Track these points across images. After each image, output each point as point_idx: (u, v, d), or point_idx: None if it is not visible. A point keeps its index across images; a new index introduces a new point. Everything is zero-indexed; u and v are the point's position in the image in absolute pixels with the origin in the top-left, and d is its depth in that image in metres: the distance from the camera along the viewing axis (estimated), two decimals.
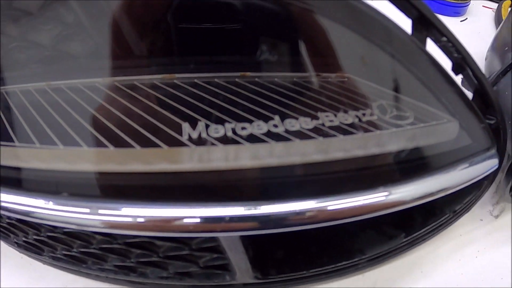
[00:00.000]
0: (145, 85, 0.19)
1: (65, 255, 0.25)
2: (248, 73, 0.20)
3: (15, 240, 0.26)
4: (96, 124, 0.17)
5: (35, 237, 0.24)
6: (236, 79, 0.20)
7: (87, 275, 0.27)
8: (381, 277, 0.27)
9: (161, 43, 0.20)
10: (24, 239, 0.25)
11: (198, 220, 0.14)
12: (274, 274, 0.23)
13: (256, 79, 0.20)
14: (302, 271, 0.24)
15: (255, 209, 0.14)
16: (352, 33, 0.16)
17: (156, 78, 0.20)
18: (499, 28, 0.37)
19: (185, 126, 0.15)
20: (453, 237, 0.30)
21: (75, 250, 0.24)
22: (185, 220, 0.14)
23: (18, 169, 0.16)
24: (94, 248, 0.24)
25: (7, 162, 0.16)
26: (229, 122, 0.15)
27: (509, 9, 0.55)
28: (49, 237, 0.24)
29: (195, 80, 0.20)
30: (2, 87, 0.20)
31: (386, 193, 0.18)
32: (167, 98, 0.18)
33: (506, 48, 0.28)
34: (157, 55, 0.20)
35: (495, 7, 0.58)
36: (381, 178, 0.18)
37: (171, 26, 0.18)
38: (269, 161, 0.15)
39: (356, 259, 0.24)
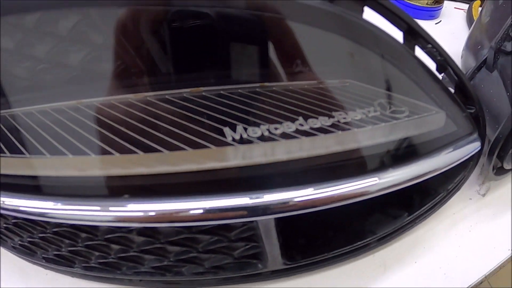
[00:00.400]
0: (177, 98, 0.22)
1: (100, 263, 0.27)
2: (266, 83, 0.23)
3: (44, 255, 0.27)
4: (148, 135, 0.20)
5: (70, 248, 0.26)
6: (257, 89, 0.23)
7: (120, 281, 0.29)
8: (389, 255, 0.31)
9: (182, 60, 0.23)
10: (56, 252, 0.27)
11: (251, 205, 0.18)
12: (299, 259, 0.27)
13: (274, 88, 0.23)
14: (323, 253, 0.27)
15: (298, 193, 0.18)
16: (356, 45, 0.20)
17: (184, 91, 0.23)
18: (471, 28, 0.41)
19: (226, 130, 0.19)
20: (448, 216, 0.34)
21: (112, 256, 0.26)
22: (241, 207, 0.18)
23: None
24: (134, 251, 0.26)
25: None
26: (263, 124, 0.19)
27: (479, 9, 0.60)
28: (87, 246, 0.26)
29: (221, 92, 0.23)
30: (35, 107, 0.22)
31: (392, 173, 0.22)
32: (201, 108, 0.21)
33: (479, 47, 0.32)
34: (181, 71, 0.23)
35: (466, 8, 0.64)
36: (386, 161, 0.22)
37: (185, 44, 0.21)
38: (300, 154, 0.18)
39: (368, 239, 0.28)
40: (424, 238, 0.32)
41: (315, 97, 0.22)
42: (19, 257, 0.30)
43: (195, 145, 0.18)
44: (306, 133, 0.19)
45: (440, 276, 0.30)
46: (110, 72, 0.23)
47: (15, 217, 0.25)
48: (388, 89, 0.23)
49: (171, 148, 0.19)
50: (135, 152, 0.19)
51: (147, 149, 0.19)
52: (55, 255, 0.27)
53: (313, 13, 0.20)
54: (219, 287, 0.29)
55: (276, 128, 0.19)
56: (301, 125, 0.19)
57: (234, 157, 0.18)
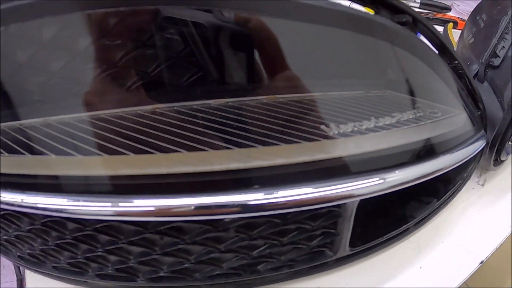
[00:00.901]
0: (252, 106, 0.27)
1: (117, 269, 0.27)
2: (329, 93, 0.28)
3: (55, 264, 0.28)
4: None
5: (86, 255, 0.26)
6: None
7: None
8: (421, 238, 0.36)
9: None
10: (70, 260, 0.27)
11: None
12: (359, 245, 0.31)
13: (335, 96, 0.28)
14: (377, 239, 0.32)
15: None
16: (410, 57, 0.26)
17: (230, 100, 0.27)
18: (456, 47, 0.49)
19: (323, 127, 0.23)
20: (459, 204, 0.40)
21: (132, 261, 0.26)
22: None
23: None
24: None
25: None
26: (351, 121, 0.24)
27: (453, 30, 0.69)
28: (107, 251, 0.26)
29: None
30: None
31: (429, 163, 0.28)
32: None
33: (469, 63, 0.40)
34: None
35: (441, 30, 0.73)
36: (432, 150, 0.27)
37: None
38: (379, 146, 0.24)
39: (408, 224, 0.33)
40: (445, 222, 0.38)
41: (371, 103, 0.28)
42: (25, 267, 0.30)
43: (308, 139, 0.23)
44: (381, 128, 0.24)
45: (463, 252, 0.36)
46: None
47: (32, 223, 0.25)
48: (425, 95, 0.29)
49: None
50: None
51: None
52: (69, 263, 0.27)
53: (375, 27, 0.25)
54: (287, 282, 0.32)
55: (360, 125, 0.24)
56: (376, 122, 0.24)
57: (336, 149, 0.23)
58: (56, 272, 0.28)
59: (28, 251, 0.28)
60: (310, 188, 0.23)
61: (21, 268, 0.32)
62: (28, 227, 0.26)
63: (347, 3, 0.24)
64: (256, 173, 0.23)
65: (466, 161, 0.33)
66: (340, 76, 0.27)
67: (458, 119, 0.30)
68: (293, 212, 0.25)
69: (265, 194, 0.22)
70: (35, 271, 0.30)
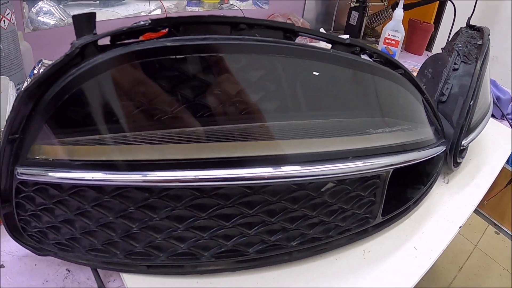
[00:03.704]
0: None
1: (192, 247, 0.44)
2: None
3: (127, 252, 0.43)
4: None
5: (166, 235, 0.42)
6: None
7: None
8: (419, 215, 0.53)
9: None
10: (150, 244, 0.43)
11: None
12: (385, 215, 0.48)
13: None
14: (395, 211, 0.49)
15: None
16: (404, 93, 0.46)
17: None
18: None
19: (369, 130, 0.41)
20: (436, 194, 0.59)
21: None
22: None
23: None
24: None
25: None
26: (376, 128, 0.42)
27: None
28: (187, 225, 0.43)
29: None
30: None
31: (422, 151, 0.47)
32: None
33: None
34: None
35: None
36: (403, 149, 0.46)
37: None
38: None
39: (409, 202, 0.51)
40: (431, 205, 0.56)
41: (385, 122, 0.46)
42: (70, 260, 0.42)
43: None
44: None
45: (446, 222, 0.54)
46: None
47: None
48: (409, 116, 0.49)
49: None
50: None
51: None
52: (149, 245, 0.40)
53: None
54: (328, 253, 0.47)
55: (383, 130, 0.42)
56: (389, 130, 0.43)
57: None
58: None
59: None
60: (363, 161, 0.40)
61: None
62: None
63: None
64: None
65: (436, 157, 0.52)
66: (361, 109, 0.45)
67: (428, 130, 0.50)
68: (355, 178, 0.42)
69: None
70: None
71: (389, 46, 1.07)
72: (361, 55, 0.40)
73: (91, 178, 0.34)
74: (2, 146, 0.34)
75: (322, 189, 0.42)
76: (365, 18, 1.23)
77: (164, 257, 0.39)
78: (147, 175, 0.34)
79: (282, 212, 0.41)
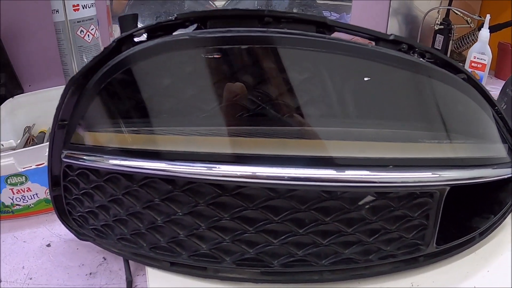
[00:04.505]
0: None
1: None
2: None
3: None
4: None
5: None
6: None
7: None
8: (485, 250, 0.45)
9: None
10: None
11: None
12: (442, 244, 0.41)
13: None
14: (454, 240, 0.41)
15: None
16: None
17: None
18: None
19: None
20: (507, 228, 0.48)
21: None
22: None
23: None
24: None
25: None
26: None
27: None
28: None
29: None
30: None
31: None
32: None
33: None
34: None
35: None
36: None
37: None
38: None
39: (475, 232, 0.43)
40: (502, 239, 0.46)
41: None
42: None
43: None
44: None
45: None
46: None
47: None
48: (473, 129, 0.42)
49: None
50: None
51: None
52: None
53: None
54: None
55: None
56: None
57: None
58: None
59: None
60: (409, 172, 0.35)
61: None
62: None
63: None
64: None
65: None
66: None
67: (499, 148, 0.42)
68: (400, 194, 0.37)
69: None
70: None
71: (475, 70, 0.96)
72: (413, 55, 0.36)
73: (121, 164, 0.36)
74: (52, 132, 0.38)
75: (360, 202, 0.38)
76: (451, 42, 1.14)
77: (186, 256, 0.39)
78: (172, 165, 0.35)
79: (312, 223, 0.37)
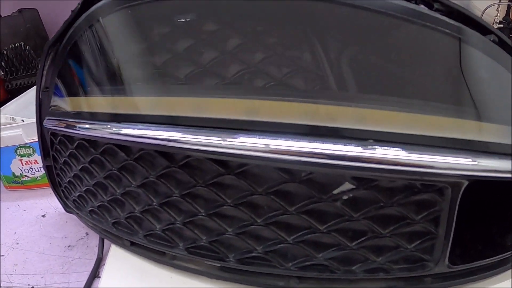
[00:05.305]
0: None
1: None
2: None
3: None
4: None
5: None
6: None
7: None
8: None
9: None
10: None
11: None
12: (459, 263, 0.30)
13: None
14: (480, 260, 0.30)
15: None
16: None
17: None
18: None
19: None
20: None
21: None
22: None
23: None
24: None
25: None
26: None
27: None
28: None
29: None
30: None
31: None
32: None
33: None
34: None
35: None
36: None
37: None
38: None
39: (509, 252, 0.30)
40: None
41: None
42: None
43: None
44: None
45: None
46: None
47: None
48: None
49: None
50: None
51: None
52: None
53: None
54: None
55: None
56: None
57: None
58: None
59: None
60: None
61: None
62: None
63: None
64: None
65: None
66: None
67: None
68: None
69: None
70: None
71: None
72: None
73: (87, 128, 0.35)
74: (37, 99, 0.40)
75: (335, 191, 0.29)
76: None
77: (141, 235, 0.36)
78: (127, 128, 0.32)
79: (273, 211, 0.31)
